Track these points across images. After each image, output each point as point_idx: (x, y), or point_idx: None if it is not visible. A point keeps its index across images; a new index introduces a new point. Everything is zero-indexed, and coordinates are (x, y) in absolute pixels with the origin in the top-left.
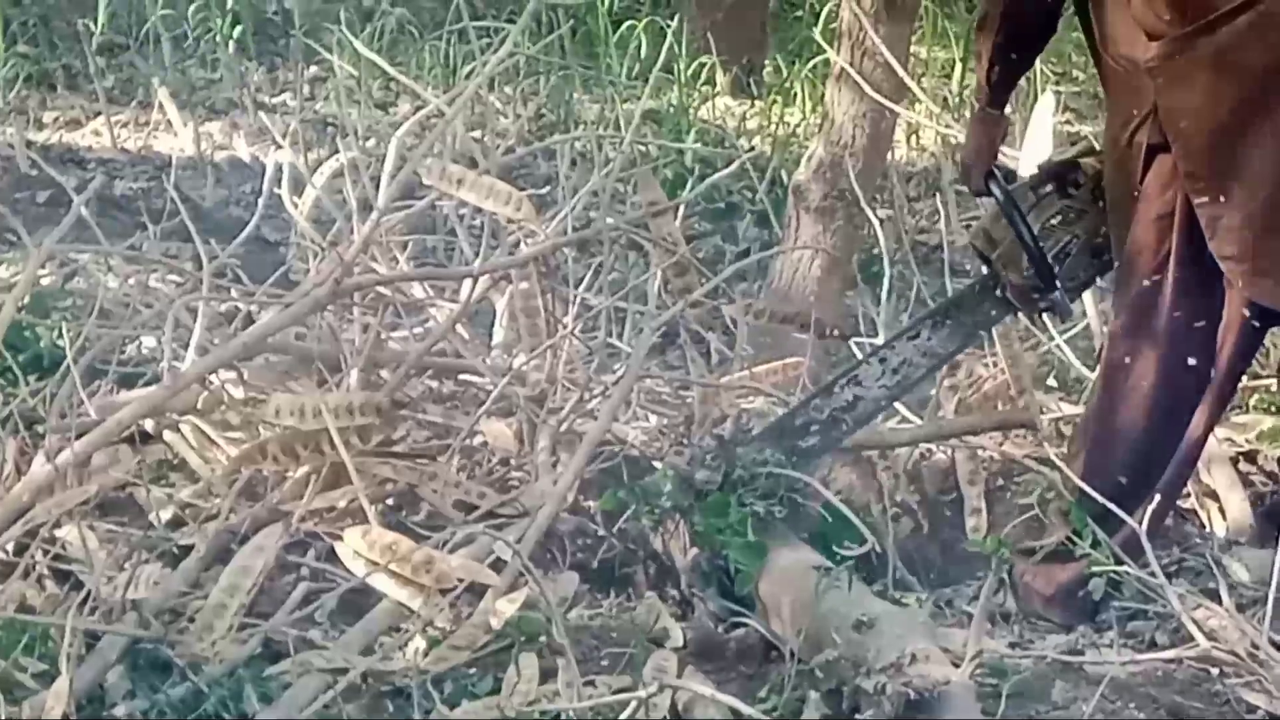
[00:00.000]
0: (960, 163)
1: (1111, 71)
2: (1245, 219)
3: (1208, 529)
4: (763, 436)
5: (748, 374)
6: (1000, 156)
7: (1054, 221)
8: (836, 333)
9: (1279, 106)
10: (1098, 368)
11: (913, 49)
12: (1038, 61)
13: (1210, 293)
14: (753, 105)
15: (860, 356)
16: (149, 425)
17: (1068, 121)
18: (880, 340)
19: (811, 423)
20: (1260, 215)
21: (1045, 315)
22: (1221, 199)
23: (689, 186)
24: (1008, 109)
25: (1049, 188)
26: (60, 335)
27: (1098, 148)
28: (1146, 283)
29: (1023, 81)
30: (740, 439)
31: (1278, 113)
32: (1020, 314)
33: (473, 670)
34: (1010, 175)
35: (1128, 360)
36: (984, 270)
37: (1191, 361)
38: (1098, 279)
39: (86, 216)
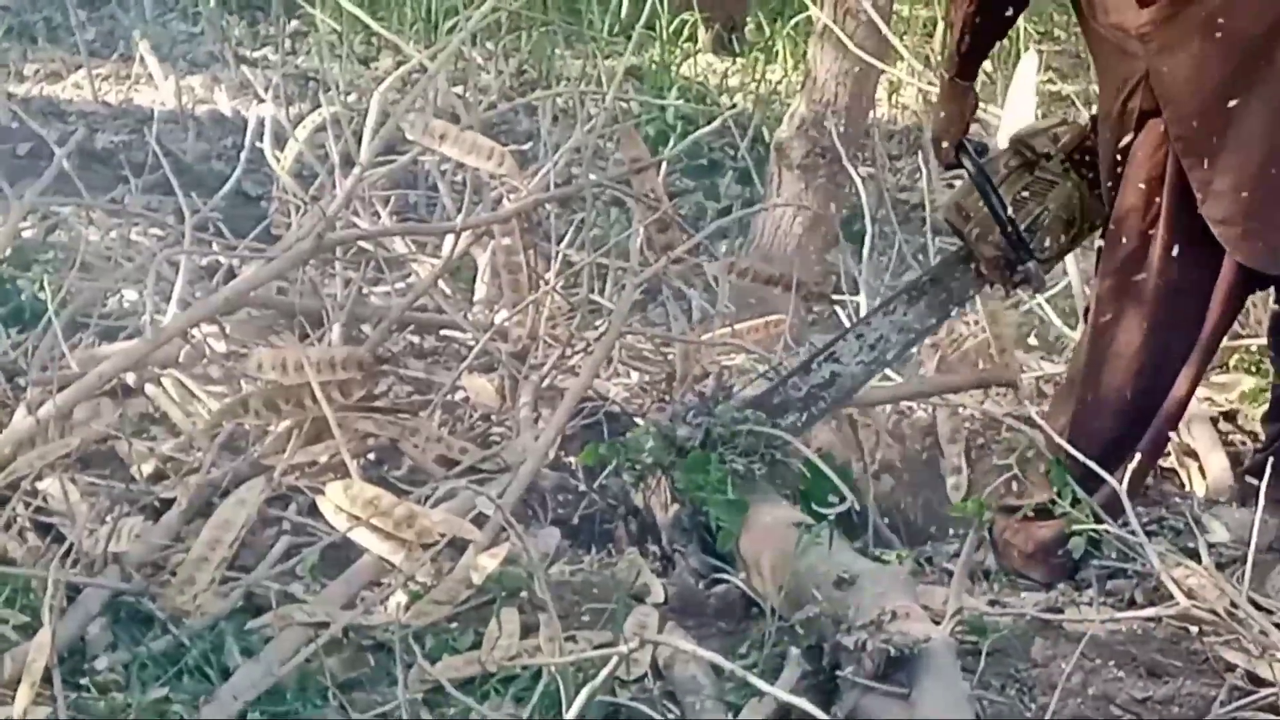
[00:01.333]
0: (932, 136)
1: (1100, 40)
2: (1236, 183)
3: (1188, 488)
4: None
5: (730, 331)
6: (970, 128)
7: (1025, 194)
8: (818, 293)
9: (1270, 72)
10: (1080, 328)
11: (895, 7)
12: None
13: (1198, 257)
14: (735, 62)
15: (841, 316)
16: (131, 379)
17: (1050, 81)
18: (861, 298)
19: (790, 400)
20: (1250, 179)
21: (1020, 287)
22: (1212, 164)
23: (671, 143)
24: (989, 66)
25: (1018, 160)
26: (41, 288)
27: (1070, 120)
28: (1135, 246)
29: (1005, 41)
30: (721, 396)
31: (1268, 78)
32: (994, 286)
33: (454, 625)
34: (981, 148)
35: (1114, 322)
36: (958, 243)
37: (1177, 324)
38: (1070, 249)
39: (68, 169)
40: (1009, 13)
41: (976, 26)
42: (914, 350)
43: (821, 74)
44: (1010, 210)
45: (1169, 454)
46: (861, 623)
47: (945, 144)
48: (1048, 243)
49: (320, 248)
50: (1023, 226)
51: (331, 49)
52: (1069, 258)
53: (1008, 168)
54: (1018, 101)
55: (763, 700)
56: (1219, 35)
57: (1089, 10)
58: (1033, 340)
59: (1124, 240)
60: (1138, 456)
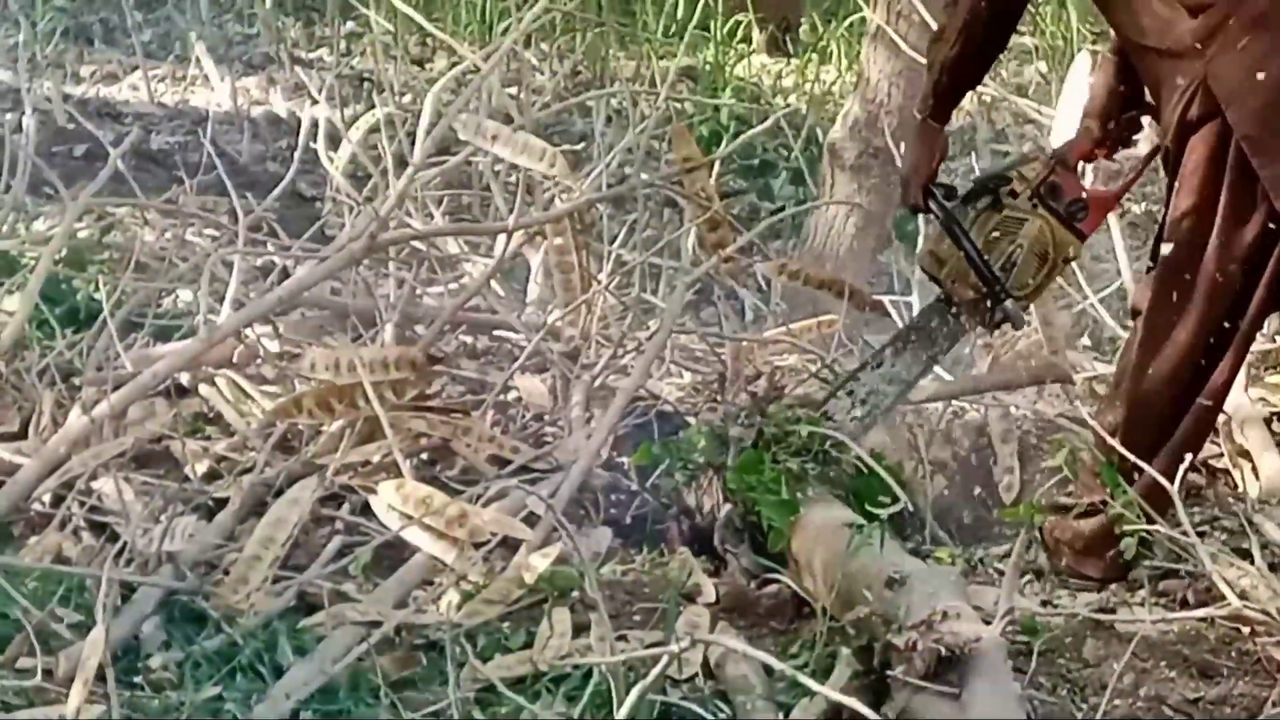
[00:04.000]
0: (900, 177)
1: (1149, 56)
2: None
3: (1241, 489)
4: None
5: (783, 330)
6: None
7: (996, 234)
8: (869, 301)
9: None
10: (1131, 328)
11: None
12: (1074, 21)
13: (1250, 256)
14: (788, 63)
15: (894, 317)
16: (185, 378)
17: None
18: (914, 299)
19: None
20: None
21: (1000, 326)
22: None
23: (724, 144)
24: (1044, 67)
25: (985, 201)
26: (97, 288)
27: (1034, 154)
28: (1190, 248)
29: (1060, 41)
30: (773, 396)
31: None
32: (977, 328)
33: (505, 624)
34: (950, 191)
35: (1165, 322)
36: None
37: (1227, 323)
38: (1047, 284)
39: (123, 170)
40: (988, 57)
41: (955, 70)
42: (905, 400)
43: (875, 75)
44: (983, 251)
45: (1221, 454)
46: (912, 623)
47: (912, 186)
48: (1023, 280)
49: (373, 248)
50: (997, 267)
51: (386, 50)
52: (1123, 258)
53: (976, 209)
54: (1071, 102)
55: (813, 700)
56: (1273, 31)
57: (1134, 34)
58: (1085, 340)
59: (1178, 242)
60: (1188, 457)
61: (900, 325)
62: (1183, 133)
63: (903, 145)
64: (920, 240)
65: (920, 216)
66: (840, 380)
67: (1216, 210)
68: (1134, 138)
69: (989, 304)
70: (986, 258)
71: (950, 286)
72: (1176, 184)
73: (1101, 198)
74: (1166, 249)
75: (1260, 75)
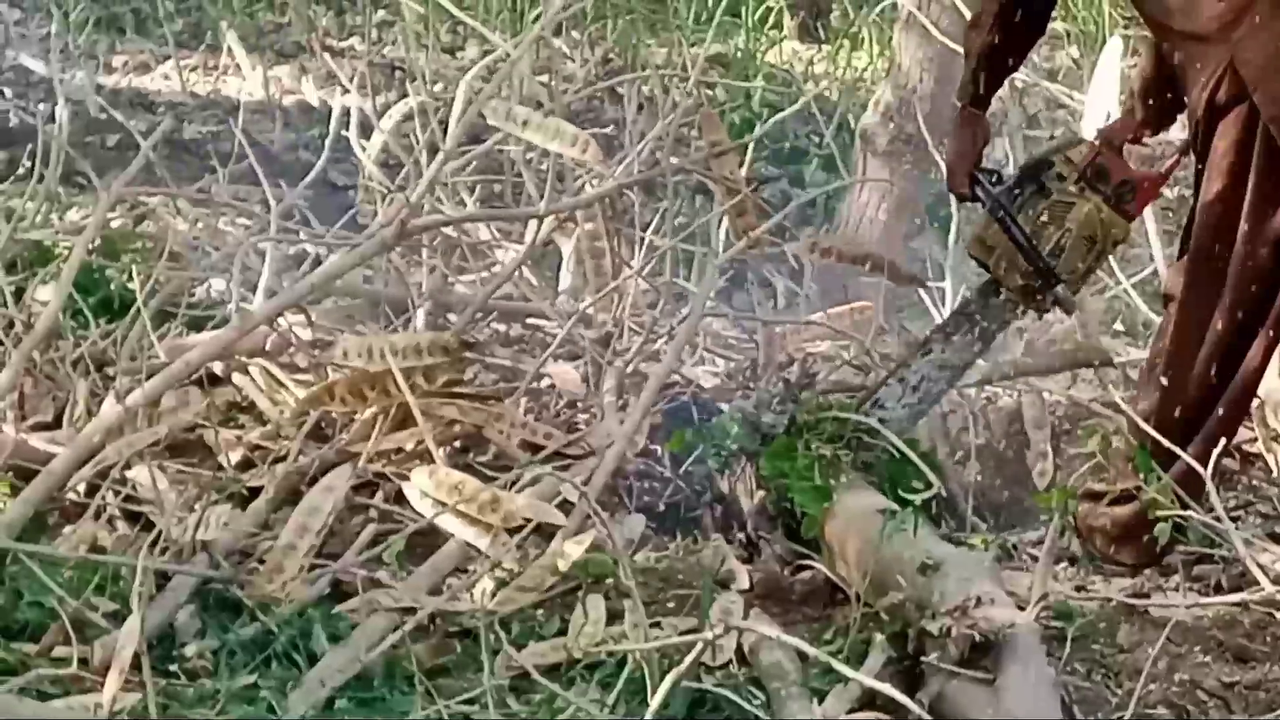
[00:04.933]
0: (946, 165)
1: (1177, 43)
2: None
3: (1275, 473)
4: None
5: (819, 316)
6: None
7: (1044, 219)
8: (906, 275)
9: None
10: (1163, 314)
11: None
12: (1105, 5)
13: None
14: (820, 49)
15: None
16: (218, 367)
17: (1135, 65)
18: (948, 284)
19: None
20: None
21: (1051, 311)
22: None
23: (755, 130)
24: (1075, 52)
25: (1031, 187)
26: (130, 278)
27: (1078, 138)
28: (1219, 231)
29: (1091, 26)
30: (806, 382)
31: None
32: (1026, 313)
33: (540, 611)
34: (997, 177)
35: (1197, 307)
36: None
37: (1258, 306)
38: (1096, 267)
39: (155, 160)
40: (1026, 43)
41: (993, 57)
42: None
43: (906, 60)
44: (1031, 237)
45: (1255, 439)
46: (946, 609)
47: (958, 173)
48: (1073, 265)
49: (405, 235)
50: (1046, 252)
51: (418, 39)
52: (1155, 244)
53: (1023, 195)
54: (1102, 87)
55: (848, 686)
56: None
57: (1162, 17)
58: (1119, 325)
59: (1208, 226)
60: (1222, 442)
61: (935, 310)
62: (1211, 116)
63: (930, 131)
64: (953, 225)
65: (954, 202)
66: (893, 368)
67: (1245, 194)
68: (1176, 119)
69: (1038, 289)
70: (1035, 243)
71: (1000, 272)
72: (1206, 168)
73: (1149, 179)
74: (1196, 233)
75: None
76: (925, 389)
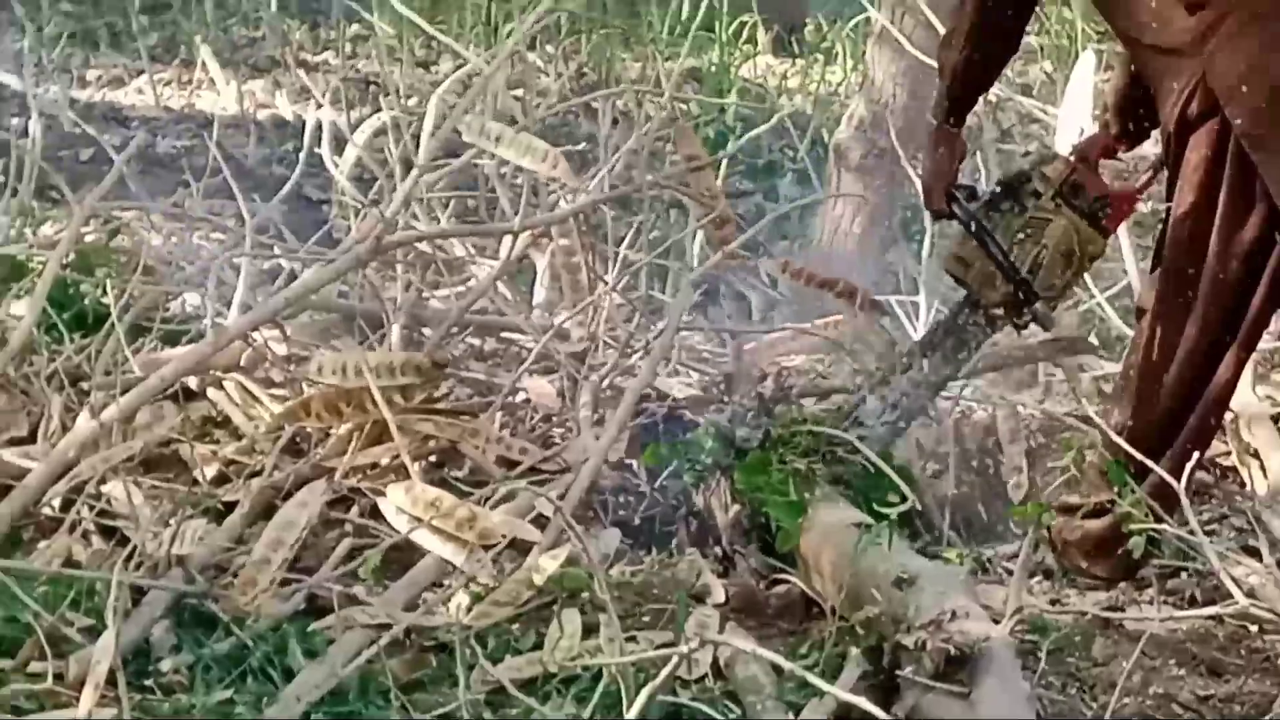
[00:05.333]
0: (921, 183)
1: (1149, 58)
2: None
3: (1249, 487)
4: None
5: (794, 330)
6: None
7: (1021, 235)
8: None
9: None
10: (1137, 326)
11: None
12: (1078, 19)
13: (1251, 252)
14: (794, 64)
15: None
16: (193, 382)
17: (1108, 80)
18: (921, 298)
19: None
20: None
21: (1028, 327)
22: None
23: (730, 145)
24: (1049, 66)
25: (1008, 203)
26: (104, 292)
27: (1052, 153)
28: (1190, 245)
29: (1064, 40)
30: (780, 397)
31: None
32: (1004, 329)
33: (515, 626)
34: (972, 193)
35: (1169, 320)
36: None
37: (1230, 319)
38: (1074, 283)
39: (128, 174)
40: (1000, 60)
41: (966, 74)
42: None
43: (879, 74)
44: (1008, 254)
45: (1229, 452)
46: (921, 623)
47: (934, 191)
48: (1050, 281)
49: (379, 250)
50: (1024, 268)
51: (391, 53)
52: (1129, 257)
53: (1000, 211)
54: (1075, 102)
55: (823, 700)
56: (1271, 27)
57: (1134, 30)
58: (1092, 339)
59: (1179, 240)
60: (1196, 455)
61: (909, 325)
62: (1183, 130)
63: (904, 144)
64: (926, 239)
65: (929, 218)
66: (870, 384)
67: (1217, 208)
68: (1151, 134)
69: (1017, 306)
70: (1012, 260)
71: (977, 289)
72: (1178, 182)
73: (1124, 194)
74: (1168, 248)
75: (1260, 71)
76: (904, 405)
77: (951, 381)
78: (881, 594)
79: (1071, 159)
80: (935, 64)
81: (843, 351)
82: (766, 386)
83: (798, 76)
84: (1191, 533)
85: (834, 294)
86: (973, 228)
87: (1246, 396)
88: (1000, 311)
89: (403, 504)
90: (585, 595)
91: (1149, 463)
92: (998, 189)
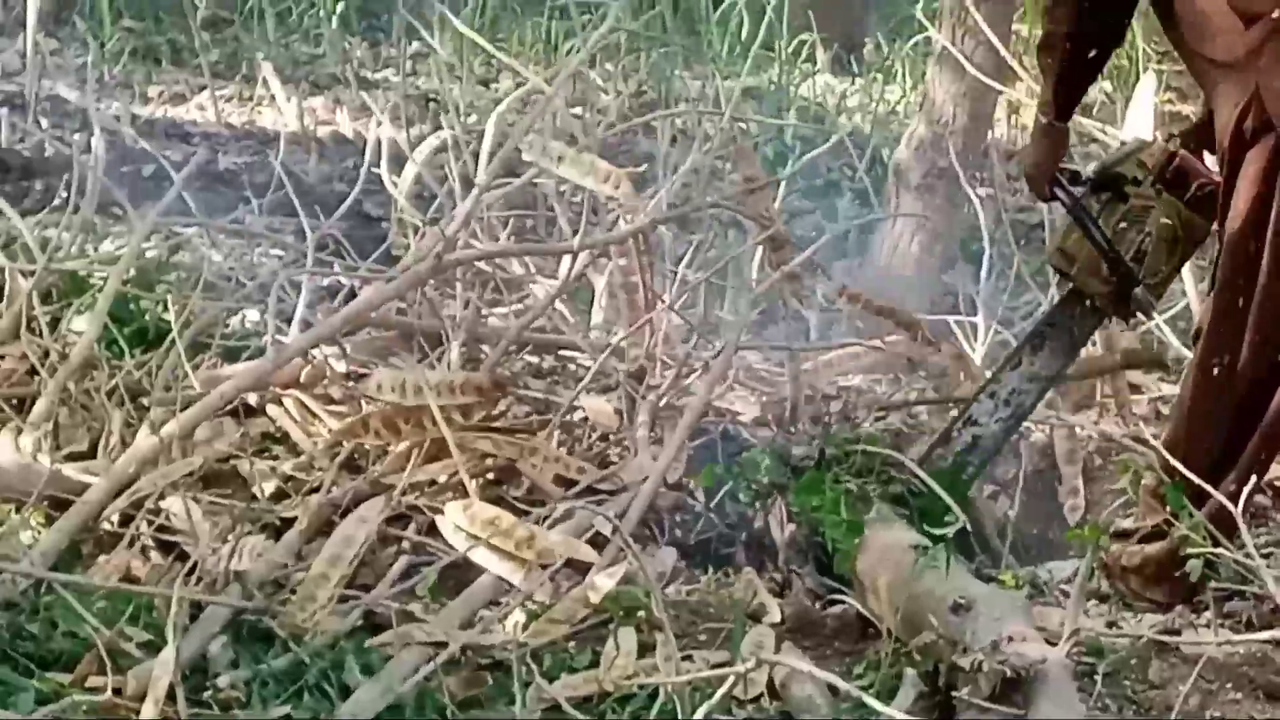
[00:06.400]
0: (1026, 173)
1: (1206, 69)
2: None
3: None
4: None
5: (849, 352)
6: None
7: (1123, 224)
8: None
9: None
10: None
11: (1014, 27)
12: (1139, 40)
13: None
14: (853, 83)
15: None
16: (252, 399)
17: (1169, 101)
18: (979, 319)
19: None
20: None
21: (1135, 315)
22: None
23: (789, 164)
24: (1109, 87)
25: (1108, 194)
26: (165, 309)
27: (1149, 141)
28: (1245, 264)
29: (1124, 60)
30: (837, 416)
31: None
32: (1112, 319)
33: (572, 644)
34: (1075, 177)
35: (1225, 341)
36: (1068, 286)
37: None
38: (1178, 269)
39: (189, 191)
40: (1102, 56)
41: (1070, 72)
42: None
43: (940, 94)
44: (1112, 242)
45: None
46: (978, 647)
47: (1039, 179)
48: (1155, 268)
49: (439, 268)
50: (1128, 256)
51: (451, 71)
52: (1188, 278)
53: (1100, 200)
54: (1136, 121)
55: None
56: None
57: (1193, 43)
58: None
59: (1234, 258)
60: (1253, 479)
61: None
62: (1237, 145)
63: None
64: (984, 260)
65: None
66: (983, 383)
67: (1269, 226)
68: None
69: (1122, 295)
70: (1117, 249)
71: (1081, 280)
72: (1232, 198)
73: None
74: (1222, 266)
75: None
76: (1017, 402)
77: (1063, 375)
78: (938, 618)
79: (1171, 145)
80: (996, 81)
81: (900, 372)
82: (825, 409)
83: (857, 96)
84: (1249, 556)
85: (894, 323)
86: (1078, 213)
87: None
88: (1107, 302)
89: (461, 522)
90: (641, 614)
91: (1207, 486)
92: (1095, 178)
